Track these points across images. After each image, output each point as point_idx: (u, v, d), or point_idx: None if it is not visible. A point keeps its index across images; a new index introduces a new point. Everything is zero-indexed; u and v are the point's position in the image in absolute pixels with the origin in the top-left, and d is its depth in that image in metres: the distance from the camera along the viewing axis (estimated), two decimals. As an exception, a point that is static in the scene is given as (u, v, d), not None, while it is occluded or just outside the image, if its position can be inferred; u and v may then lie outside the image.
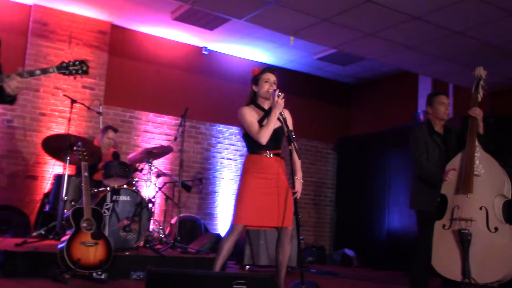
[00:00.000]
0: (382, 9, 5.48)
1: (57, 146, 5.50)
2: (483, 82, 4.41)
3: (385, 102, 9.19)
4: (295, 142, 3.70)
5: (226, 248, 3.71)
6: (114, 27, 7.63)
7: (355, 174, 8.89)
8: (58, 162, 6.09)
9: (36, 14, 7.05)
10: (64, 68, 3.10)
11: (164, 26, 7.63)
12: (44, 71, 3.05)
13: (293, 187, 3.80)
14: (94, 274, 4.25)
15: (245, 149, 8.75)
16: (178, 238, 5.72)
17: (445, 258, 4.23)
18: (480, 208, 4.12)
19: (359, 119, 9.72)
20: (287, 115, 3.80)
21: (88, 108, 6.11)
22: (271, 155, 3.79)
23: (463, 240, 4.08)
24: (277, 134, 3.80)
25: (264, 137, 3.68)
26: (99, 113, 5.89)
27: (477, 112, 4.30)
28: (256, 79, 3.86)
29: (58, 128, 6.91)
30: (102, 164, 5.63)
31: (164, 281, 2.81)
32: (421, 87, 8.49)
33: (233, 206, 3.80)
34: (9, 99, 3.01)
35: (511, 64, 6.70)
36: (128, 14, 7.30)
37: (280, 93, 3.69)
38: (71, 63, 3.12)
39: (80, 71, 3.14)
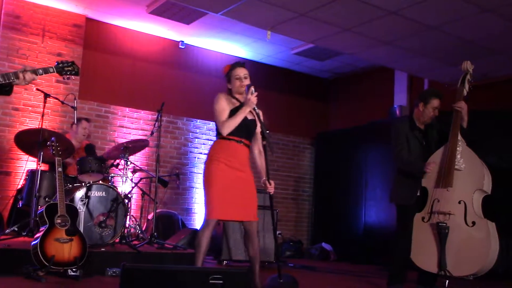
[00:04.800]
0: (358, 4, 5.50)
1: (30, 141, 5.39)
2: (470, 77, 4.43)
3: (362, 97, 9.25)
4: (269, 138, 3.73)
5: (204, 243, 3.70)
6: (89, 20, 7.50)
7: (333, 169, 8.93)
8: (31, 158, 5.98)
9: (8, 6, 6.88)
10: (61, 68, 3.31)
11: (140, 20, 7.53)
12: (46, 71, 3.23)
13: (269, 183, 3.82)
14: (69, 271, 4.18)
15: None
16: (155, 233, 5.67)
17: (423, 250, 4.28)
18: (459, 202, 4.17)
19: (336, 114, 9.77)
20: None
21: (62, 102, 6.01)
22: (241, 143, 3.79)
23: (440, 233, 4.12)
24: (249, 126, 3.83)
25: (227, 128, 3.70)
26: (73, 107, 5.79)
27: (462, 106, 4.32)
28: (228, 77, 3.88)
29: (31, 123, 6.78)
30: (77, 159, 5.54)
31: (140, 277, 2.77)
32: (397, 83, 8.57)
33: (204, 199, 3.78)
34: (7, 89, 3.17)
35: (485, 60, 6.80)
36: (103, 7, 7.19)
37: (254, 90, 3.70)
38: (65, 64, 3.33)
39: (73, 72, 3.35)
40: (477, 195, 4.17)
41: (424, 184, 4.36)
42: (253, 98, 3.70)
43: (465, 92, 4.39)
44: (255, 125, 3.88)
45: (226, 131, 3.71)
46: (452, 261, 4.09)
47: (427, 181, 4.34)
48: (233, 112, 3.75)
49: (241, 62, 3.93)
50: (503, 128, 6.67)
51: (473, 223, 4.10)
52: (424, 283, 4.44)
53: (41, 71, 3.19)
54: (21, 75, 3.06)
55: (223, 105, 3.77)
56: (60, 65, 3.32)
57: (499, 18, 5.65)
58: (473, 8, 5.47)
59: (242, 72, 3.85)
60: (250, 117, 3.80)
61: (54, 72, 3.28)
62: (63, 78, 3.40)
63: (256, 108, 3.76)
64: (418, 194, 4.39)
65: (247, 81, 3.82)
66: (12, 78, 3.04)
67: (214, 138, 8.86)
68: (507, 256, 6.10)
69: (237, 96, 3.88)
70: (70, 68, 3.34)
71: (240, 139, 3.78)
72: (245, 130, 3.79)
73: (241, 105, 3.78)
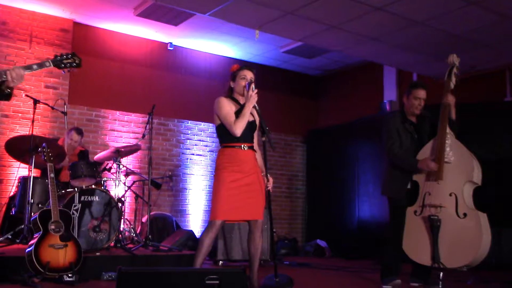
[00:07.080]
0: (345, 0, 5.52)
1: (21, 148, 5.37)
2: (456, 69, 4.46)
3: (352, 94, 9.29)
4: (269, 134, 3.75)
5: (206, 245, 3.71)
6: (76, 24, 7.48)
7: (325, 165, 8.96)
8: (23, 164, 5.95)
9: (-6, 13, 6.86)
10: (59, 62, 3.14)
11: (128, 23, 7.52)
12: (41, 65, 3.06)
13: (267, 179, 3.84)
14: (65, 276, 4.16)
15: (214, 144, 8.74)
16: (150, 236, 5.68)
17: (416, 244, 4.31)
18: (450, 195, 4.20)
19: (327, 111, 9.80)
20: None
21: (52, 108, 5.99)
22: (246, 148, 3.80)
23: (433, 226, 4.16)
24: (251, 127, 3.83)
25: (239, 128, 3.71)
26: (63, 112, 5.79)
27: (450, 99, 4.36)
28: (233, 75, 3.90)
29: (21, 129, 6.75)
30: (69, 165, 5.52)
31: (136, 281, 2.77)
32: (386, 78, 8.61)
33: (210, 202, 3.79)
34: (7, 93, 3.00)
35: (473, 53, 6.85)
36: (90, 11, 7.16)
37: (254, 87, 3.73)
38: (64, 56, 3.17)
39: (74, 64, 3.21)
40: (468, 186, 4.21)
41: (415, 178, 4.40)
42: (253, 94, 3.73)
43: (452, 85, 4.42)
44: (255, 126, 3.90)
45: (239, 131, 3.71)
46: (445, 253, 4.13)
47: (418, 175, 4.38)
48: (237, 114, 3.76)
49: (251, 66, 3.96)
50: (491, 120, 6.72)
51: (465, 214, 4.14)
52: (419, 276, 4.48)
53: (35, 66, 3.01)
54: (8, 73, 2.88)
55: (227, 108, 3.78)
56: (58, 58, 3.16)
57: (485, 11, 5.69)
58: (458, 2, 5.51)
59: (249, 74, 3.86)
60: (250, 118, 3.81)
61: (51, 66, 3.10)
62: (63, 72, 3.24)
63: (256, 105, 3.78)
64: (409, 187, 4.43)
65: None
66: (3, 76, 2.89)
67: (206, 139, 8.85)
68: (499, 246, 6.15)
69: (237, 97, 3.89)
70: (70, 60, 3.19)
71: (244, 144, 3.80)
72: (246, 133, 3.79)
73: (242, 107, 3.79)
